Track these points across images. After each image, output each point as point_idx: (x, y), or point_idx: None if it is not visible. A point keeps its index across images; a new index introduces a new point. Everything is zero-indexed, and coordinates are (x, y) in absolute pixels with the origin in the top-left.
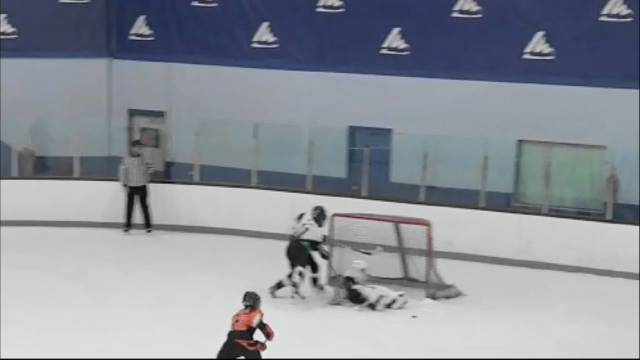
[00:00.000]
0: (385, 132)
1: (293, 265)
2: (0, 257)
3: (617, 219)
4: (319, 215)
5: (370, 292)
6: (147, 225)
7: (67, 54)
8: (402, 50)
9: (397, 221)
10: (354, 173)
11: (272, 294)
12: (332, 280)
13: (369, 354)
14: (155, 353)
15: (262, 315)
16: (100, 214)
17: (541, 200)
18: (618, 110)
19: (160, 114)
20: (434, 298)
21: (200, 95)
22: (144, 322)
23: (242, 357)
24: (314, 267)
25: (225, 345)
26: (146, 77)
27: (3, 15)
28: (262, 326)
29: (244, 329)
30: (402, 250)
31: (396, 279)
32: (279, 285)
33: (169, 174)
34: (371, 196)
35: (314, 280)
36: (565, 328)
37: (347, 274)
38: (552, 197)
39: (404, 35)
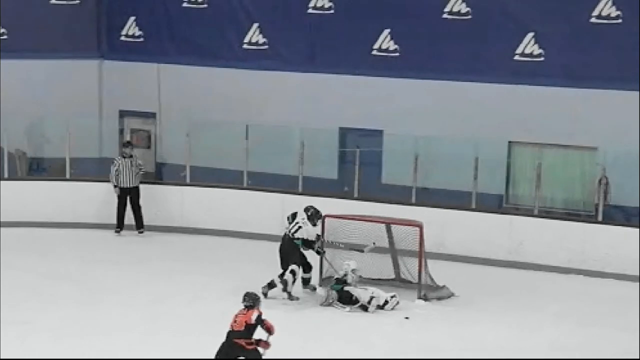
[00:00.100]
0: (377, 134)
1: (285, 264)
2: None
3: (608, 220)
4: (313, 214)
5: (362, 293)
6: (139, 226)
7: (57, 55)
8: (393, 51)
9: (388, 222)
10: (345, 174)
11: (265, 294)
12: (324, 281)
13: (361, 355)
14: (150, 354)
15: (260, 314)
16: (91, 215)
17: (532, 202)
18: (609, 112)
19: (151, 115)
20: (425, 299)
21: (191, 96)
22: (138, 323)
23: (242, 358)
24: (306, 268)
25: (224, 345)
26: (137, 78)
27: None
28: (261, 322)
29: (242, 328)
30: (393, 252)
31: (388, 280)
32: (271, 285)
33: (160, 175)
34: (362, 197)
35: (306, 281)
36: (556, 329)
37: (338, 275)
38: (543, 199)
39: (394, 37)
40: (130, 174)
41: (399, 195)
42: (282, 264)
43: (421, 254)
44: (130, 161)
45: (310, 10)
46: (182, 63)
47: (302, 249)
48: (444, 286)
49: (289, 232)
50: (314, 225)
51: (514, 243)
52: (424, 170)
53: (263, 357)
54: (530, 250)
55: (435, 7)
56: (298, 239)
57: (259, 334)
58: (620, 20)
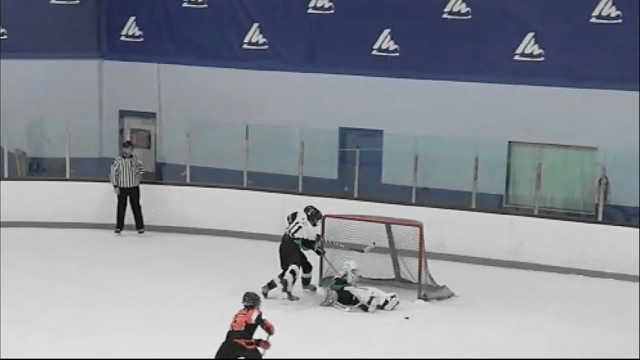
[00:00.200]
0: (377, 134)
1: (285, 264)
2: None
3: (608, 220)
4: (313, 214)
5: (362, 293)
6: (139, 226)
7: (57, 55)
8: (393, 51)
9: (388, 222)
10: (345, 174)
11: (265, 294)
12: (324, 281)
13: (361, 355)
14: (150, 354)
15: (260, 314)
16: (91, 215)
17: (532, 202)
18: (609, 112)
19: (151, 115)
20: (425, 299)
21: (191, 96)
22: (138, 323)
23: (242, 358)
24: (306, 268)
25: (224, 345)
26: (137, 78)
27: None
28: (261, 322)
29: (242, 328)
30: (393, 252)
31: (388, 280)
32: (271, 285)
33: (160, 175)
34: (362, 197)
35: (306, 281)
36: (556, 329)
37: (338, 275)
38: (543, 199)
39: (394, 37)
40: (130, 174)
41: (399, 195)
42: (282, 264)
43: (421, 254)
44: (130, 161)
45: (310, 10)
46: (182, 63)
47: (302, 249)
48: (444, 286)
49: (289, 232)
50: (314, 225)
51: (514, 243)
52: (424, 170)
53: (263, 357)
54: (530, 250)
55: (435, 7)
56: (298, 239)
57: (259, 334)
58: (620, 20)
